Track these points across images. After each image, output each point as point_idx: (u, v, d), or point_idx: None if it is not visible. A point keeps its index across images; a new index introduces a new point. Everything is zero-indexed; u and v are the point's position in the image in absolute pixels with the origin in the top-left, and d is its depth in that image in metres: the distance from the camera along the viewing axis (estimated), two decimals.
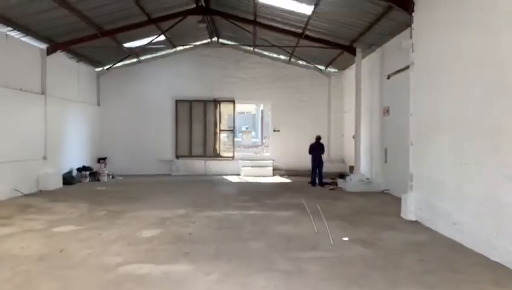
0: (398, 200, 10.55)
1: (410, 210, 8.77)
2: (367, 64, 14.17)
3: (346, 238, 7.14)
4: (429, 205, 8.13)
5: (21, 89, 11.90)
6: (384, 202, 11.04)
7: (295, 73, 17.96)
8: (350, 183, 13.21)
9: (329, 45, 14.00)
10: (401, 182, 11.30)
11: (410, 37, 8.97)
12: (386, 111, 12.73)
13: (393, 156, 12.23)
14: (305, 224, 8.22)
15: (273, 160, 17.76)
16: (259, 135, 25.04)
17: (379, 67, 13.28)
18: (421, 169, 8.57)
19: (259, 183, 15.14)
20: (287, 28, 13.73)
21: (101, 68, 17.60)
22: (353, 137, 15.22)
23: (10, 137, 11.29)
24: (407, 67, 10.56)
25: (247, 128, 27.74)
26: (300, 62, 17.86)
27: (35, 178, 12.55)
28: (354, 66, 15.54)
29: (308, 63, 17.47)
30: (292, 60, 17.76)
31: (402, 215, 8.99)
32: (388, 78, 12.32)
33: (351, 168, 14.99)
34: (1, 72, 11.06)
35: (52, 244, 6.62)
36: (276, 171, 17.34)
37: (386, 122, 12.82)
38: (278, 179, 16.33)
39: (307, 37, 13.71)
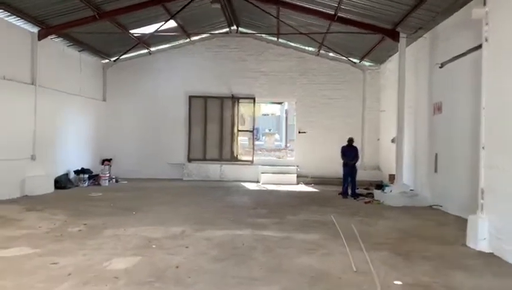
0: (455, 220, 8.58)
1: (482, 238, 6.44)
2: (412, 52, 11.82)
3: (399, 282, 4.90)
4: None
5: (4, 77, 10.18)
6: (437, 221, 8.68)
7: (324, 67, 15.72)
8: (390, 196, 10.89)
9: (367, 29, 11.72)
10: (457, 196, 9.08)
11: (484, 4, 6.67)
12: (438, 108, 10.36)
13: (446, 164, 9.85)
14: (337, 255, 6.01)
15: (297, 166, 15.54)
16: (284, 138, 22.83)
17: (428, 55, 10.93)
18: (499, 182, 6.23)
19: (281, 192, 12.96)
20: (316, 7, 11.56)
21: (107, 60, 15.88)
22: (392, 141, 12.94)
23: None
24: (472, 50, 8.28)
25: (270, 130, 25.61)
26: (330, 54, 15.63)
27: (20, 181, 10.80)
28: (393, 57, 13.35)
29: (340, 55, 15.20)
30: (321, 51, 15.55)
31: (469, 244, 6.66)
32: (441, 66, 9.97)
33: (391, 177, 12.62)
34: None
35: None
36: (300, 178, 15.11)
37: (436, 122, 10.45)
38: (302, 188, 14.11)
39: (340, 20, 11.50)
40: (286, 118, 21.73)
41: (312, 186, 14.42)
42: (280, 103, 23.44)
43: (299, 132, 15.80)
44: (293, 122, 24.08)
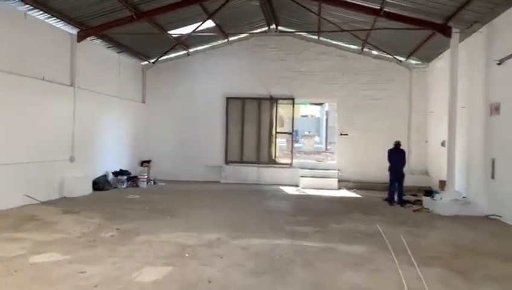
0: None
1: None
2: (465, 49, 10.92)
3: None
4: None
5: (44, 79, 10.23)
6: (496, 234, 7.84)
7: (368, 66, 14.96)
8: (441, 204, 10.06)
9: (415, 25, 10.92)
10: None
11: None
12: (495, 109, 9.45)
13: (505, 170, 8.95)
14: (386, 271, 5.42)
15: (339, 169, 14.86)
16: (324, 140, 22.12)
17: (484, 51, 10.01)
18: None
19: (321, 197, 12.35)
20: (360, 3, 10.92)
21: (146, 62, 15.87)
22: (442, 144, 12.06)
23: (26, 134, 9.60)
24: None
25: (309, 132, 24.94)
26: (374, 52, 14.87)
27: (59, 183, 10.84)
28: (443, 55, 12.45)
29: (385, 52, 14.41)
30: (365, 49, 14.81)
31: None
32: (499, 63, 9.08)
33: (441, 184, 11.74)
34: (18, 57, 9.41)
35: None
36: (342, 183, 14.42)
37: (493, 124, 9.54)
38: (344, 193, 13.43)
39: (387, 15, 10.77)
40: (326, 119, 20.99)
41: (354, 192, 13.71)
42: (320, 104, 22.75)
43: (341, 134, 15.11)
44: (334, 124, 23.41)
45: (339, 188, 14.19)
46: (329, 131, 20.83)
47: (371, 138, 14.66)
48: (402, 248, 6.50)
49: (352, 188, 14.13)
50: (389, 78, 14.87)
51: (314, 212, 9.75)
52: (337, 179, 14.41)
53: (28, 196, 9.51)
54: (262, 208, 10.22)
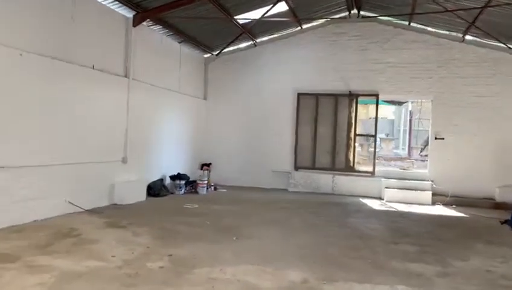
0: None
1: None
2: None
3: None
4: None
5: (93, 67, 8.85)
6: None
7: (471, 56, 12.29)
8: None
9: None
10: None
11: None
12: None
13: None
14: None
15: (432, 180, 12.34)
16: (405, 145, 19.45)
17: None
18: None
19: (416, 216, 10.00)
20: None
21: (209, 54, 14.31)
22: None
23: (71, 131, 8.24)
24: None
25: (387, 135, 22.29)
26: (478, 40, 12.20)
27: (109, 187, 9.43)
28: None
29: (496, 40, 11.72)
30: (467, 36, 12.20)
31: None
32: None
33: None
34: (61, 41, 8.07)
35: None
36: (436, 197, 11.90)
37: None
38: (442, 210, 10.95)
39: None
40: (410, 121, 18.39)
41: (454, 209, 11.17)
42: (400, 103, 20.13)
43: (435, 138, 12.53)
44: (418, 126, 20.72)
45: (434, 203, 11.69)
46: (412, 134, 18.20)
47: (475, 144, 12.02)
48: None
49: (451, 205, 11.57)
50: (497, 71, 12.10)
51: (419, 238, 7.48)
52: (431, 192, 11.91)
53: (72, 203, 8.13)
54: (349, 228, 8.10)
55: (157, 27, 11.24)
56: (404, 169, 14.30)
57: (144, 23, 10.34)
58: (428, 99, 13.16)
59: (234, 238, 6.81)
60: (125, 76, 9.92)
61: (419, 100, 17.40)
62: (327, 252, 6.24)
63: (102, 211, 8.56)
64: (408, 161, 16.23)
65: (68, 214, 7.93)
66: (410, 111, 19.99)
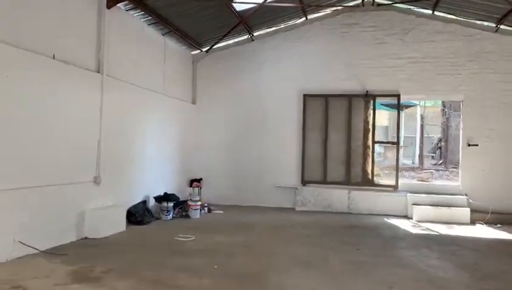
0: None
1: None
2: None
3: None
4: None
5: (54, 57, 6.59)
6: None
7: (508, 48, 10.62)
8: None
9: None
10: None
11: None
12: None
13: None
14: None
15: (466, 194, 10.51)
16: (416, 153, 17.69)
17: None
18: None
19: (468, 241, 8.03)
20: None
21: (198, 50, 12.18)
22: None
23: (26, 143, 5.95)
24: None
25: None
26: None
27: (77, 216, 7.12)
28: None
29: None
30: (502, 26, 10.51)
31: None
32: None
33: None
34: (9, 19, 5.81)
35: None
36: (474, 214, 10.05)
37: None
38: (489, 231, 9.08)
39: None
40: (422, 126, 16.71)
41: (499, 229, 9.34)
42: (407, 107, 18.46)
43: (468, 145, 10.72)
44: (429, 134, 19.05)
45: (473, 222, 9.84)
46: (424, 141, 16.45)
47: None
48: None
49: (496, 223, 9.74)
50: None
51: (507, 280, 5.50)
52: (469, 209, 10.06)
53: (23, 244, 5.80)
54: (408, 269, 5.96)
55: (137, 12, 9.06)
56: (423, 181, 12.48)
57: (121, 5, 8.19)
58: (458, 100, 11.35)
59: None
60: (98, 71, 7.68)
61: (448, 100, 15.65)
62: None
63: (66, 251, 6.25)
64: (424, 171, 14.44)
65: (17, 260, 5.62)
66: (421, 115, 18.30)
